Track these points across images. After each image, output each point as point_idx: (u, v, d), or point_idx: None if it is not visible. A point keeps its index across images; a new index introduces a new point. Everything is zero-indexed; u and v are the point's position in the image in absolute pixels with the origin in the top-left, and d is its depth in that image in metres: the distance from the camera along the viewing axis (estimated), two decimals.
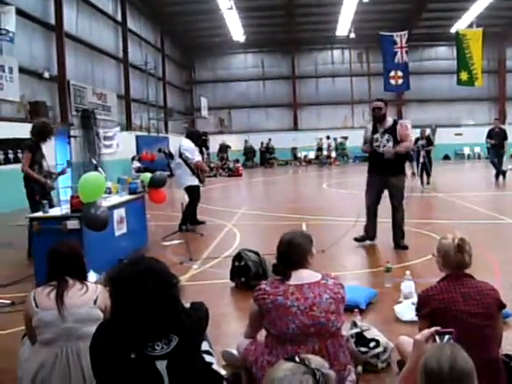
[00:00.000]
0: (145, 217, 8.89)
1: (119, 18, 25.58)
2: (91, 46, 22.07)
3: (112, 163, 19.92)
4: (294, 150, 36.52)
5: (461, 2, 29.23)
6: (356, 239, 8.15)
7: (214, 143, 32.84)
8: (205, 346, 3.24)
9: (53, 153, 13.94)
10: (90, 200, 5.96)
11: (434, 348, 2.12)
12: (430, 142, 17.13)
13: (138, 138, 26.47)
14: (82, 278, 3.46)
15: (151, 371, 2.44)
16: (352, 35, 32.30)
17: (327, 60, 38.33)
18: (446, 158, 35.47)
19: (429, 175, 16.74)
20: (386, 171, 7.65)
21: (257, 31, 34.26)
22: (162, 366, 2.46)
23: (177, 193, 10.35)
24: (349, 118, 37.17)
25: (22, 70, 16.01)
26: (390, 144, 7.57)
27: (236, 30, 31.78)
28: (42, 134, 7.91)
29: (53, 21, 18.64)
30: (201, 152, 11.06)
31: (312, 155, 35.64)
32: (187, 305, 2.73)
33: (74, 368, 3.21)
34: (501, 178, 17.25)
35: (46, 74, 17.92)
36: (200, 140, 10.29)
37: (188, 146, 9.91)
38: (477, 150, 35.50)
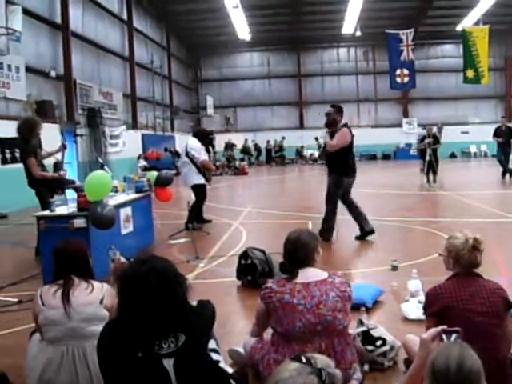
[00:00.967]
0: (151, 215, 8.91)
1: (125, 16, 25.61)
2: (97, 44, 22.13)
3: (118, 162, 19.97)
4: (300, 148, 36.45)
5: None
6: (357, 237, 8.33)
7: (220, 142, 32.84)
8: (212, 344, 3.24)
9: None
10: (97, 199, 5.98)
11: (441, 347, 2.11)
12: (436, 140, 17.06)
13: (143, 136, 26.55)
14: (88, 277, 3.47)
15: (158, 369, 2.44)
16: (358, 33, 32.20)
17: (333, 58, 38.32)
18: (453, 156, 35.40)
19: (435, 173, 16.67)
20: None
21: (262, 29, 34.26)
22: (169, 364, 2.46)
23: (183, 191, 10.36)
24: (354, 117, 37.06)
25: (28, 69, 16.11)
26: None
27: (242, 28, 31.78)
28: (31, 130, 7.96)
29: (59, 20, 18.69)
30: (207, 151, 11.07)
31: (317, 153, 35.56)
32: (194, 303, 2.73)
33: (80, 366, 3.24)
34: (507, 176, 17.19)
35: (53, 73, 17.97)
36: (207, 139, 10.31)
37: (195, 145, 9.92)
38: (483, 148, 35.37)
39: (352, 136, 8.29)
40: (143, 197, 8.34)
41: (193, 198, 9.97)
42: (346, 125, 8.35)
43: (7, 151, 14.42)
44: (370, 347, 3.83)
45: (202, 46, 37.83)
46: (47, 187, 7.81)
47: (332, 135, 8.22)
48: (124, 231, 7.32)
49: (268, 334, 3.58)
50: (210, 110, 34.73)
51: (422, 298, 4.30)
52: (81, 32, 20.45)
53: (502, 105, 37.29)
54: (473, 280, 3.17)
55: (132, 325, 2.46)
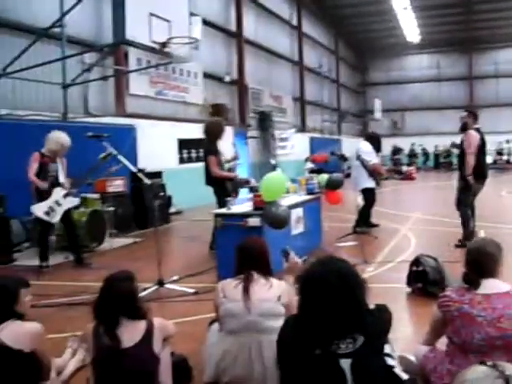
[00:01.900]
0: (321, 217, 9.01)
1: (295, 22, 26.11)
2: (268, 50, 22.81)
3: (286, 164, 20.38)
4: None
5: None
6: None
7: (387, 146, 32.28)
8: (387, 348, 3.21)
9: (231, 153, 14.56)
10: (272, 199, 6.16)
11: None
12: None
13: (311, 139, 26.87)
14: (268, 274, 3.58)
15: (335, 369, 2.46)
16: None
17: (509, 58, 35.98)
18: None
19: None
20: None
21: (433, 31, 33.25)
22: (346, 364, 2.46)
23: (351, 195, 10.35)
24: None
25: (205, 75, 17.05)
26: None
27: (411, 30, 31.13)
28: (216, 132, 8.40)
29: (234, 28, 19.57)
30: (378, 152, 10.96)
31: (489, 159, 33.65)
32: (371, 306, 2.74)
33: (255, 359, 3.36)
34: None
35: (227, 78, 18.85)
36: (378, 143, 10.26)
37: (366, 149, 9.90)
38: None
39: (482, 140, 8.19)
40: (314, 199, 8.47)
41: (360, 201, 9.92)
42: (476, 129, 8.25)
43: (185, 151, 15.31)
44: None
45: (369, 49, 37.54)
46: (224, 187, 8.19)
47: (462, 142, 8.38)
48: (294, 231, 7.45)
49: (440, 343, 3.48)
50: (378, 114, 34.31)
51: None
52: (253, 38, 21.21)
53: None
54: None
55: (311, 323, 2.50)
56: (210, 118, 14.13)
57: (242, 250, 3.68)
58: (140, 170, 7.89)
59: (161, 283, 6.19)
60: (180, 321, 4.91)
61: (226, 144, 9.44)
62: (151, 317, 3.19)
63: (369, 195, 9.84)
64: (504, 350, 3.07)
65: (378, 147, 10.20)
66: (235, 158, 9.22)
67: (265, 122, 20.83)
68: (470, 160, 8.05)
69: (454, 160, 33.41)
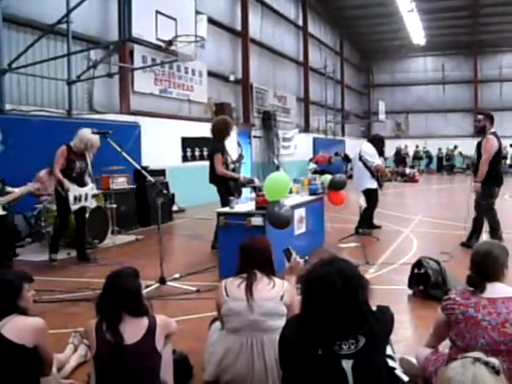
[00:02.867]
0: (323, 218, 9.01)
1: (300, 22, 26.15)
2: (273, 50, 22.81)
3: (289, 164, 20.39)
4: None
5: None
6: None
7: (391, 148, 32.26)
8: (388, 350, 3.22)
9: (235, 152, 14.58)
10: (275, 199, 6.16)
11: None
12: None
13: (315, 140, 26.87)
14: (271, 274, 3.58)
15: (336, 369, 2.47)
16: None
17: None
18: None
19: None
20: None
21: (438, 33, 33.19)
22: (347, 364, 2.47)
23: (353, 196, 10.35)
24: None
25: (209, 74, 17.07)
26: None
27: (416, 32, 31.10)
28: (223, 130, 8.39)
29: (239, 27, 19.60)
30: (381, 155, 10.95)
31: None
32: (374, 308, 2.74)
33: (257, 358, 3.36)
34: None
35: (232, 77, 18.88)
36: (381, 145, 10.25)
37: (368, 150, 9.89)
38: None
39: (500, 144, 8.20)
40: (317, 199, 8.47)
41: (362, 202, 9.91)
42: (494, 133, 8.21)
43: (188, 149, 15.32)
44: None
45: (374, 50, 37.53)
46: (227, 186, 8.19)
47: (479, 145, 8.26)
48: (297, 232, 7.45)
49: (442, 346, 3.48)
50: (382, 116, 34.29)
51: None
52: (258, 38, 21.23)
53: None
54: None
55: (314, 323, 2.51)
56: (218, 116, 14.15)
57: (245, 249, 3.67)
58: (143, 168, 7.90)
59: (163, 281, 6.19)
60: (181, 319, 4.89)
61: (231, 143, 9.43)
62: (154, 314, 3.20)
63: (371, 196, 9.83)
64: (507, 355, 3.07)
65: (381, 150, 10.20)
66: (240, 158, 9.22)
67: (269, 121, 20.87)
68: (484, 167, 8.01)
69: (457, 163, 33.53)
